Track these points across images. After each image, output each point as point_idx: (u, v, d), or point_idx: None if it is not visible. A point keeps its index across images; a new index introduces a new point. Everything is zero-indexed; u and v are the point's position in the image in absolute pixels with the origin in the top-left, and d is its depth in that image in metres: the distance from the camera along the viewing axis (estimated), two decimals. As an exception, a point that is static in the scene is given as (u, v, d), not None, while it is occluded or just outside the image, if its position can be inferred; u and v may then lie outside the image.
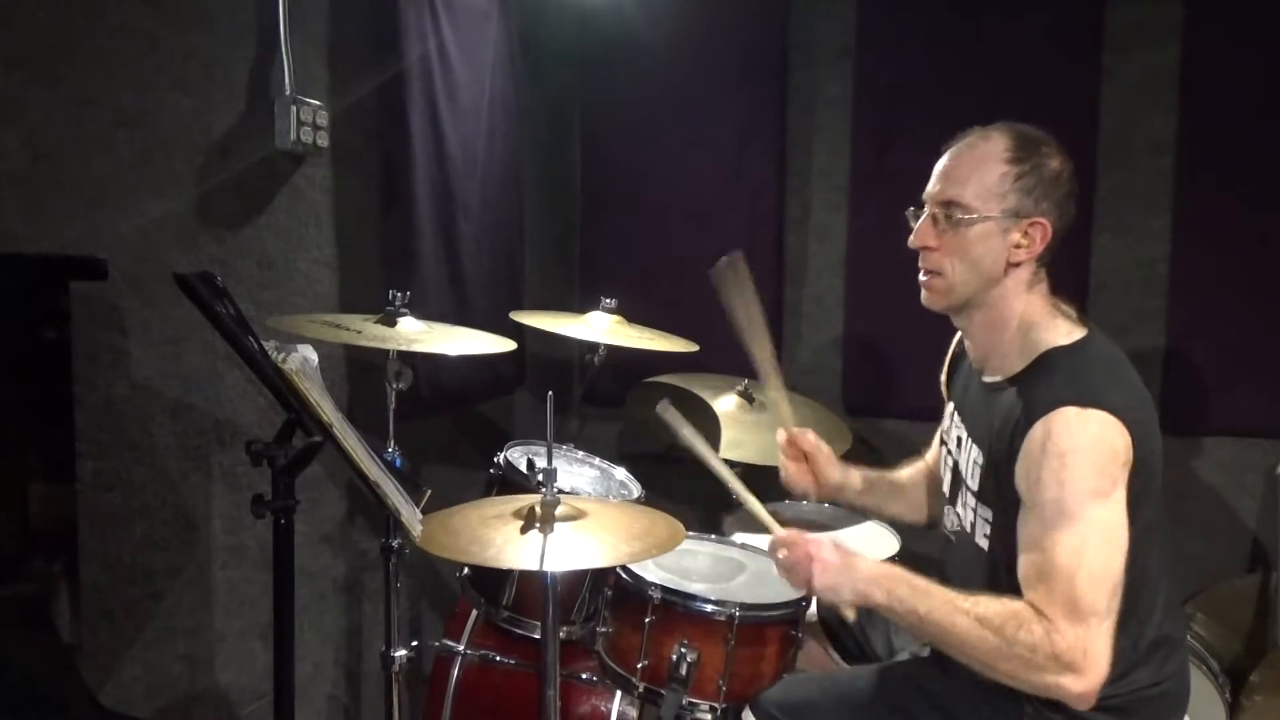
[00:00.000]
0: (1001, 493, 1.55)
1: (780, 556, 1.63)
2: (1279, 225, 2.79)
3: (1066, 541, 1.40)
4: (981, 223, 1.56)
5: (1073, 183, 1.59)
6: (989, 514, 1.61)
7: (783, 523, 1.73)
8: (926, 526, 2.01)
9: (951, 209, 1.58)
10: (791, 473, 2.00)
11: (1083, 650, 1.38)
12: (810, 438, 1.99)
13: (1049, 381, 1.51)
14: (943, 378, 1.91)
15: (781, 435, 2.01)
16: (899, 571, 1.54)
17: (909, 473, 2.04)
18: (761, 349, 1.94)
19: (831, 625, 2.00)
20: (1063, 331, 1.58)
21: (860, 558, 1.58)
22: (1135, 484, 1.46)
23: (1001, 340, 1.63)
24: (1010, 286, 1.60)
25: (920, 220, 1.64)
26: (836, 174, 3.28)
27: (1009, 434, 1.52)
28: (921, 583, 1.51)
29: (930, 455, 2.03)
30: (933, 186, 1.63)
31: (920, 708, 1.65)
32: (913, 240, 1.64)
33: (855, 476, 2.00)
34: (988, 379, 1.66)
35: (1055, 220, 1.57)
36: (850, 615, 1.62)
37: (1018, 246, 1.57)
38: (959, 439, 1.72)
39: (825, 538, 1.61)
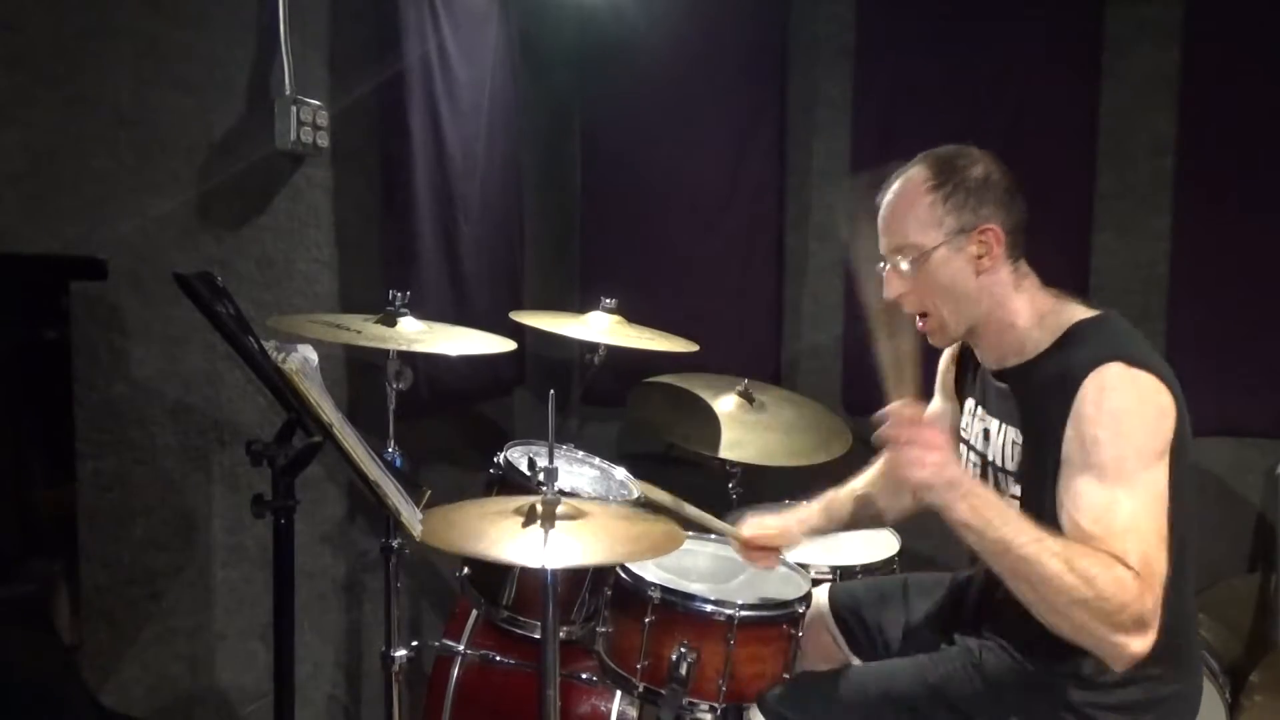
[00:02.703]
0: (1038, 462, 1.54)
1: (891, 444, 1.49)
2: (1279, 225, 2.79)
3: (1132, 501, 1.39)
4: (935, 252, 1.59)
5: (1007, 177, 1.61)
6: (1018, 490, 1.61)
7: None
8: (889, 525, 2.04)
9: (904, 254, 1.62)
10: (756, 561, 2.00)
11: (1153, 615, 1.35)
12: (766, 536, 1.97)
13: (1087, 345, 1.51)
14: (950, 380, 1.91)
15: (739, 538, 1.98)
16: (992, 496, 1.46)
17: (863, 482, 2.02)
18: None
19: (844, 617, 2.00)
20: (1082, 310, 1.60)
21: (959, 468, 1.49)
22: (1175, 451, 1.45)
23: (1014, 338, 1.63)
24: (997, 292, 1.61)
25: (885, 274, 1.67)
26: (837, 174, 3.28)
27: (1056, 399, 1.49)
28: (1011, 513, 1.43)
29: None
30: (881, 242, 1.67)
31: (930, 706, 1.65)
32: (885, 294, 1.67)
33: (816, 519, 1.99)
34: (1011, 365, 1.65)
35: (1002, 219, 1.58)
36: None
37: (979, 256, 1.59)
38: (985, 431, 1.72)
39: (949, 444, 1.51)
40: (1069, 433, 1.46)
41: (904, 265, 1.62)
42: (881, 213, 1.67)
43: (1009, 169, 1.63)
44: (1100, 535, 1.38)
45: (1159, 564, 1.37)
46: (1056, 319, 1.59)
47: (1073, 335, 1.56)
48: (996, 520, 1.40)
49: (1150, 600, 1.34)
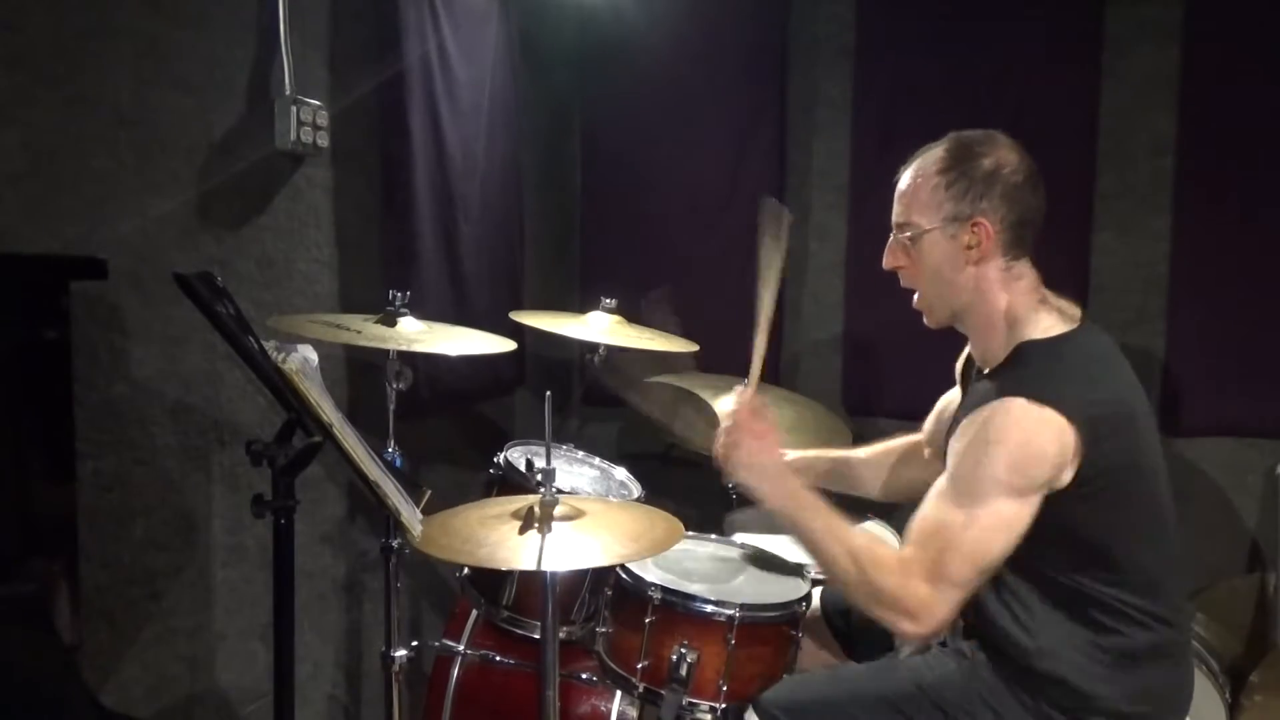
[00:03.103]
0: None
1: (724, 425, 1.73)
2: (1279, 225, 2.79)
3: (957, 515, 1.49)
4: (927, 234, 1.63)
5: (1020, 173, 1.60)
6: None
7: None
8: (881, 501, 2.12)
9: (905, 230, 1.66)
10: (720, 440, 1.97)
11: (927, 606, 1.49)
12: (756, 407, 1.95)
13: (1016, 373, 1.56)
14: (958, 372, 1.92)
15: (741, 392, 1.91)
16: (800, 490, 1.64)
17: (866, 452, 2.10)
18: (767, 298, 1.94)
19: (834, 619, 2.00)
20: (1043, 326, 1.60)
21: (779, 467, 1.69)
22: (1083, 483, 1.49)
23: (995, 339, 1.65)
24: (984, 286, 1.62)
25: (889, 244, 1.71)
26: (836, 174, 3.28)
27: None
28: (812, 501, 1.61)
29: (925, 427, 2.03)
30: (893, 211, 1.70)
31: (924, 707, 1.65)
32: (885, 263, 1.72)
33: (799, 459, 2.05)
34: (988, 369, 1.69)
35: (1001, 214, 1.59)
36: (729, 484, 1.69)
37: (969, 248, 1.61)
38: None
39: (773, 437, 1.71)
40: (953, 436, 1.56)
41: (905, 241, 1.66)
42: (900, 183, 1.70)
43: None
44: (916, 530, 1.53)
45: (956, 572, 1.48)
46: (1018, 332, 1.61)
47: (1015, 357, 1.59)
48: (794, 506, 1.62)
49: (921, 595, 1.48)
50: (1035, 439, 1.47)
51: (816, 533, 1.60)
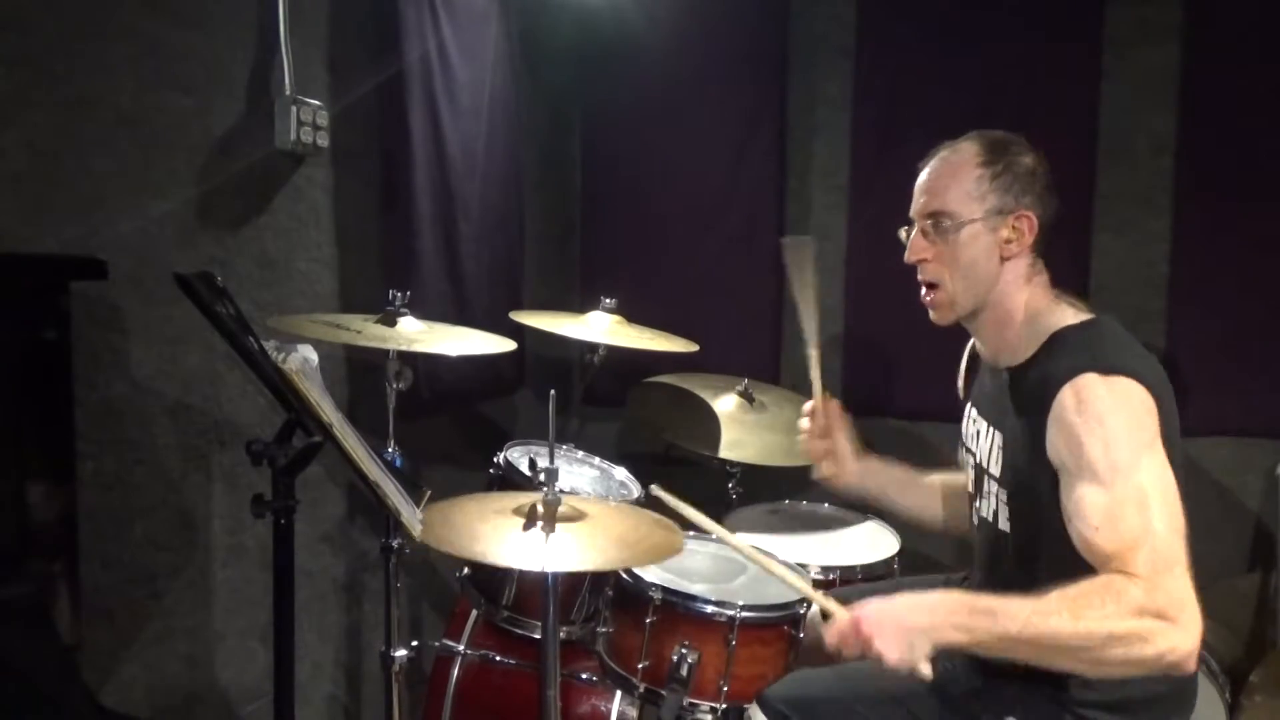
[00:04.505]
0: (1018, 469, 1.58)
1: (837, 645, 1.50)
2: (1279, 225, 2.79)
3: (1130, 497, 1.39)
4: (968, 225, 1.63)
5: (1049, 176, 1.65)
6: (1005, 495, 1.63)
7: (788, 518, 1.73)
8: (940, 531, 2.02)
9: (938, 219, 1.65)
10: (814, 450, 2.00)
11: (1180, 602, 1.32)
12: (834, 409, 2.00)
13: (1066, 355, 1.53)
14: (960, 382, 1.93)
15: (808, 405, 2.01)
16: (961, 601, 1.44)
17: (939, 478, 2.04)
18: (810, 321, 2.01)
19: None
20: (1070, 314, 1.62)
21: (910, 607, 1.45)
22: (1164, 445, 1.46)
23: (1010, 334, 1.66)
24: (1010, 281, 1.64)
25: (911, 236, 1.70)
26: (836, 174, 3.28)
27: (1033, 408, 1.52)
28: (994, 603, 1.39)
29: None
30: (917, 203, 1.70)
31: (929, 704, 1.65)
32: (908, 256, 1.70)
33: (873, 458, 2.02)
34: (1001, 367, 1.69)
35: (1039, 211, 1.63)
36: (928, 673, 1.43)
37: (1008, 241, 1.62)
38: (978, 432, 1.74)
39: (867, 603, 1.48)
40: (1055, 444, 1.48)
41: (933, 232, 1.65)
42: (924, 175, 1.70)
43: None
44: (1105, 543, 1.39)
45: (1170, 554, 1.35)
46: (1045, 323, 1.61)
47: (1054, 343, 1.58)
48: (983, 623, 1.39)
49: (1162, 595, 1.32)
50: (1129, 396, 1.45)
51: (1028, 628, 1.35)
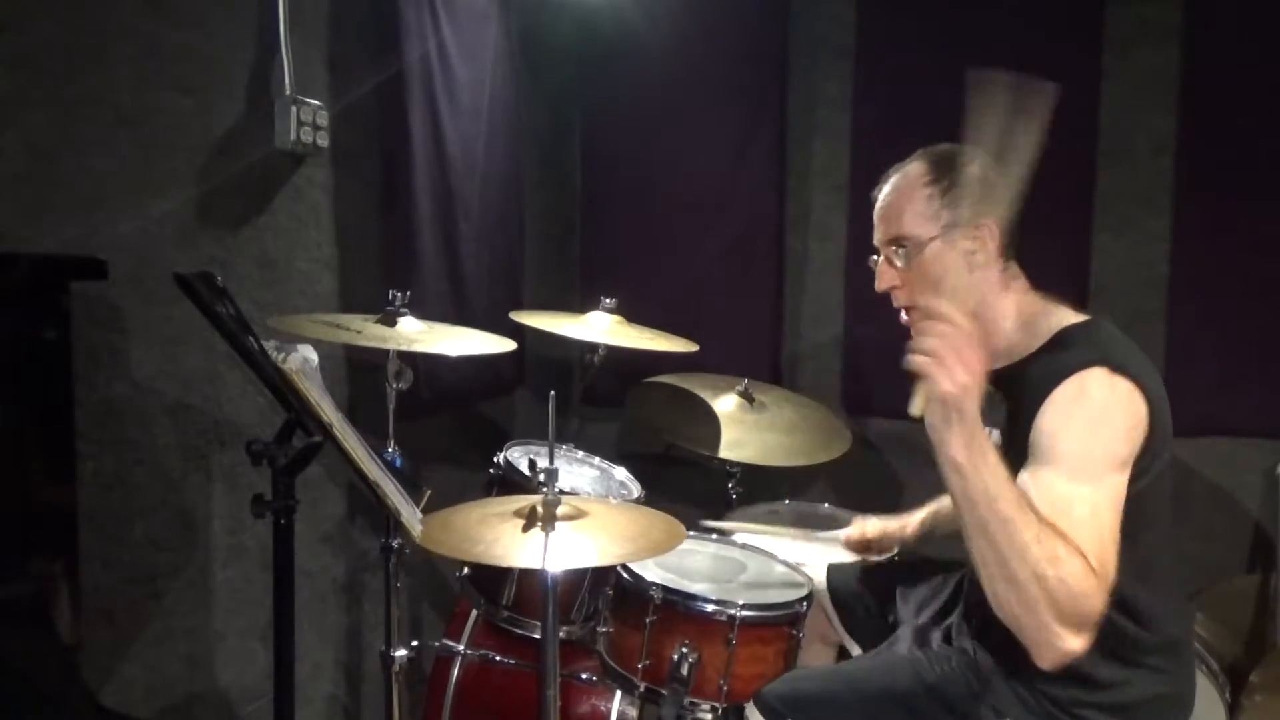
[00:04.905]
0: (1016, 460, 1.52)
1: (943, 334, 1.36)
2: (1279, 225, 2.79)
3: (1088, 499, 1.38)
4: (929, 245, 1.63)
5: (1002, 178, 1.56)
6: None
7: (788, 518, 1.73)
8: None
9: (899, 244, 1.66)
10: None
11: (1095, 619, 1.33)
12: (870, 532, 2.14)
13: (1074, 349, 1.53)
14: None
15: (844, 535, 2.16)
16: (991, 445, 1.37)
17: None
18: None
19: (842, 598, 2.01)
20: (1070, 315, 1.62)
21: (975, 404, 1.35)
22: (1144, 460, 1.46)
23: (999, 339, 1.65)
24: (985, 290, 1.63)
25: (879, 265, 1.71)
26: (836, 174, 3.28)
27: (1037, 396, 1.49)
28: (1005, 470, 1.36)
29: None
30: (877, 231, 1.72)
31: (927, 704, 1.66)
32: (878, 285, 1.72)
33: (916, 526, 2.10)
34: (998, 367, 1.64)
35: (997, 217, 1.59)
36: (915, 411, 1.36)
37: (972, 252, 1.61)
38: None
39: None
40: (1042, 422, 1.46)
41: (897, 258, 1.66)
42: (878, 205, 1.71)
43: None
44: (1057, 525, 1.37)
45: (1111, 567, 1.36)
46: (1046, 322, 1.61)
47: (1062, 339, 1.57)
48: (986, 469, 1.34)
49: (1100, 602, 1.32)
50: (1128, 404, 1.45)
51: (1007, 505, 1.32)
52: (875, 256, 1.72)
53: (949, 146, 1.65)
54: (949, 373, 1.33)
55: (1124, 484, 1.42)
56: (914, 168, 1.67)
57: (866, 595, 2.00)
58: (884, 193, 1.71)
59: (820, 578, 2.09)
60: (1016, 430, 1.58)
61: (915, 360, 1.35)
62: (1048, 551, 1.30)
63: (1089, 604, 1.31)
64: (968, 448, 1.34)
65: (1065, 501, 1.37)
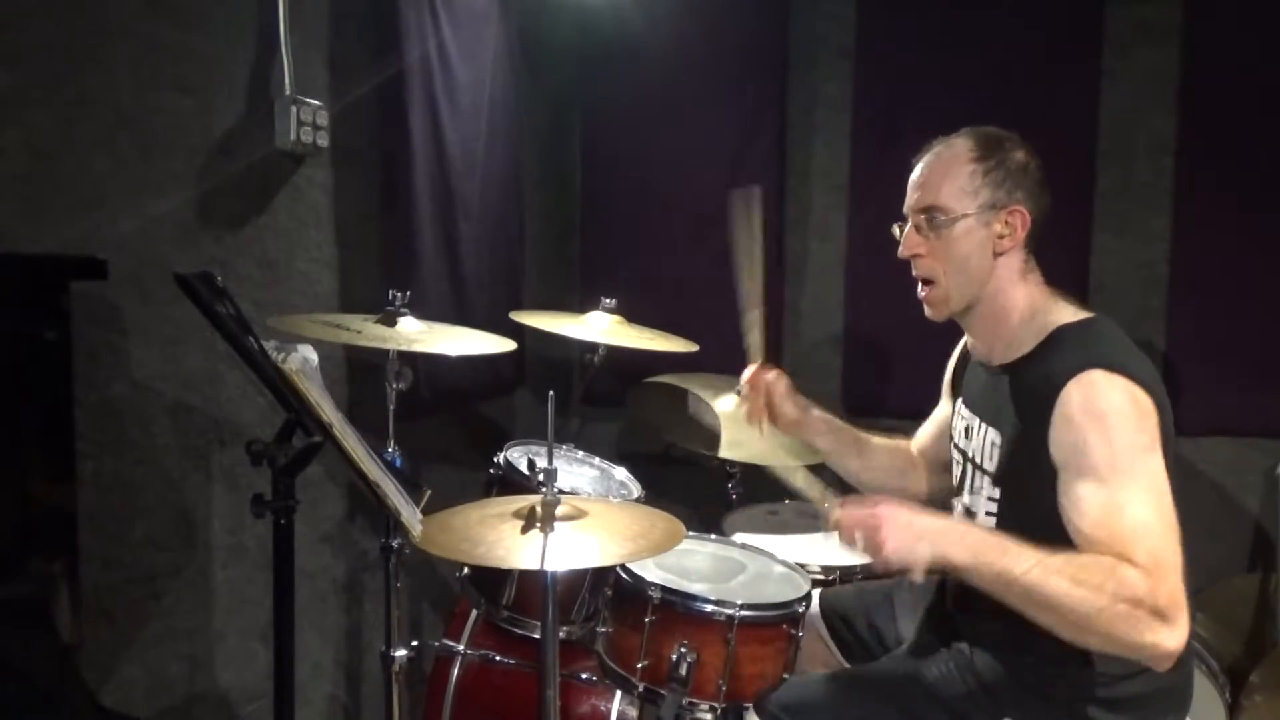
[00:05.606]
0: (1015, 465, 1.57)
1: (842, 525, 1.48)
2: (1279, 225, 2.79)
3: (1132, 499, 1.39)
4: (961, 220, 1.63)
5: (1042, 172, 1.65)
6: (996, 493, 1.63)
7: (788, 518, 1.74)
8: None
9: (932, 214, 1.65)
10: (748, 408, 2.05)
11: (1178, 604, 1.33)
12: (770, 375, 2.05)
13: (1068, 351, 1.53)
14: (948, 378, 1.93)
15: (747, 372, 2.07)
16: (975, 526, 1.47)
17: (881, 440, 2.05)
18: (752, 280, 2.01)
19: (834, 623, 2.00)
20: (1069, 312, 1.62)
21: (928, 516, 1.46)
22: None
23: (1006, 331, 1.66)
24: (1003, 277, 1.64)
25: (905, 231, 1.70)
26: (836, 174, 3.28)
27: (1035, 405, 1.51)
28: (1006, 540, 1.40)
29: (918, 438, 2.05)
30: (910, 198, 1.70)
31: (925, 707, 1.65)
32: (902, 251, 1.71)
33: (816, 417, 2.03)
34: (995, 364, 1.68)
35: (1032, 207, 1.63)
36: (919, 578, 1.44)
37: (1001, 236, 1.63)
38: (967, 429, 1.74)
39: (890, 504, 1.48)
40: (1058, 440, 1.48)
41: (927, 227, 1.66)
42: (918, 171, 1.70)
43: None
44: (1105, 539, 1.38)
45: (1169, 554, 1.36)
46: (1044, 319, 1.61)
47: (1056, 339, 1.58)
48: (990, 555, 1.39)
49: (1164, 592, 1.32)
50: (1135, 396, 1.45)
51: (1028, 574, 1.35)
52: (900, 223, 1.72)
53: (997, 130, 1.67)
54: (877, 544, 1.42)
55: (1159, 467, 1.43)
56: (960, 142, 1.66)
57: (860, 618, 1.98)
58: (925, 161, 1.70)
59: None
60: (1010, 428, 1.60)
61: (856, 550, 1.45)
62: (1088, 586, 1.33)
63: (1151, 602, 1.32)
64: (960, 550, 1.41)
65: (1105, 512, 1.40)
